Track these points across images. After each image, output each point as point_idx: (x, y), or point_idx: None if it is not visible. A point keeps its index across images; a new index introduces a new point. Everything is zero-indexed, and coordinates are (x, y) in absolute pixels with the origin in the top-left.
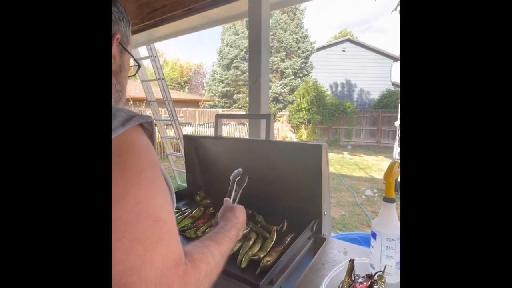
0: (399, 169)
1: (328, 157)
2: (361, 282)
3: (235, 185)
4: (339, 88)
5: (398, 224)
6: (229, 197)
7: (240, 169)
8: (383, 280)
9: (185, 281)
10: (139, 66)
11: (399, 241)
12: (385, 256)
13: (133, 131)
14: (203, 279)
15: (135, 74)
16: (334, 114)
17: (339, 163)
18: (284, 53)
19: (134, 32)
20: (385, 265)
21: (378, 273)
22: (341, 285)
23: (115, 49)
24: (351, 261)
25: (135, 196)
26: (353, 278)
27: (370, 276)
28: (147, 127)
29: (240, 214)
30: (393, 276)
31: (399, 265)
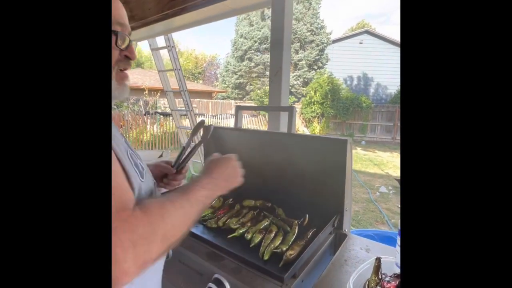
0: None
1: (352, 153)
2: (388, 281)
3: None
4: (355, 82)
5: None
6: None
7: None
8: None
9: (130, 223)
10: (116, 34)
11: None
12: None
13: None
14: (158, 222)
15: (126, 47)
16: (348, 108)
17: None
18: (298, 44)
19: (154, 21)
20: None
21: None
22: (367, 283)
23: None
24: (378, 259)
25: None
26: (380, 277)
27: (397, 276)
28: None
29: (223, 165)
30: None
31: None
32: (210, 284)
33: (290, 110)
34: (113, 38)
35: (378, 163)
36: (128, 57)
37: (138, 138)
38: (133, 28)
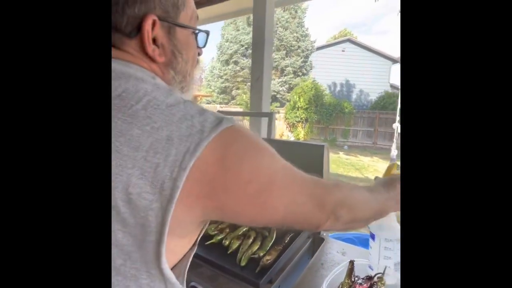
0: (398, 171)
1: (329, 158)
2: (360, 284)
3: None
4: (338, 88)
5: (396, 225)
6: None
7: None
8: (382, 282)
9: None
10: (207, 33)
11: (398, 242)
12: (383, 257)
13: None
14: (355, 193)
15: (203, 46)
16: (331, 113)
17: (335, 162)
18: (284, 52)
19: None
20: (385, 267)
21: (378, 275)
22: (340, 286)
23: (158, 33)
24: (351, 262)
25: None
26: (353, 279)
27: (369, 278)
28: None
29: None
30: (391, 277)
31: (397, 266)
32: None
33: (270, 116)
34: (196, 37)
35: (359, 167)
36: (199, 53)
37: None
38: None
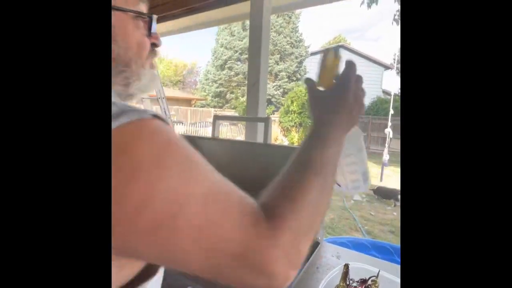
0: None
1: None
2: (355, 287)
3: None
4: None
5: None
6: None
7: None
8: (376, 285)
9: (270, 231)
10: (150, 18)
11: (360, 151)
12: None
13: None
14: (295, 217)
15: (150, 32)
16: None
17: None
18: (278, 56)
19: None
20: (379, 270)
21: (372, 278)
22: None
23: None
24: (346, 266)
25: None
26: (347, 283)
27: (364, 281)
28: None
29: (337, 94)
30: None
31: (366, 175)
32: None
33: (266, 121)
34: (144, 23)
35: None
36: (155, 44)
37: None
38: None
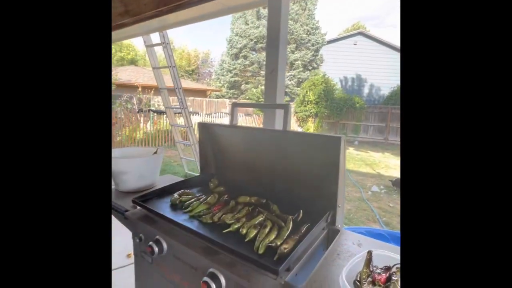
0: None
1: (345, 150)
2: (379, 273)
3: None
4: (349, 83)
5: None
6: None
7: None
8: None
9: None
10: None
11: None
12: None
13: None
14: None
15: None
16: (342, 108)
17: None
18: (294, 45)
19: (150, 17)
20: None
21: (397, 265)
22: (359, 275)
23: None
24: (369, 253)
25: None
26: (371, 269)
27: (388, 268)
28: None
29: None
30: None
31: None
32: (206, 278)
33: (286, 107)
34: None
35: (370, 163)
36: None
37: (131, 136)
38: (128, 24)
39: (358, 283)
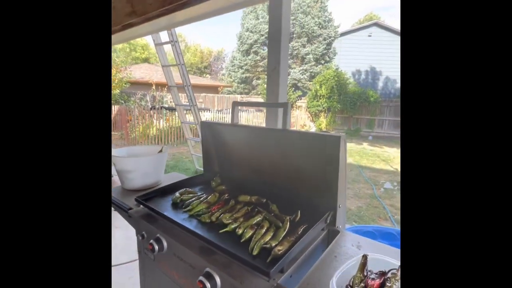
0: None
1: (347, 148)
2: (373, 279)
3: None
4: (363, 76)
5: None
6: None
7: None
8: (397, 278)
9: None
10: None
11: None
12: None
13: None
14: None
15: None
16: (356, 103)
17: (358, 154)
18: (305, 39)
19: (157, 16)
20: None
21: (393, 271)
22: (352, 280)
23: None
24: (364, 256)
25: None
26: (365, 274)
27: (383, 273)
28: None
29: None
30: None
31: None
32: (201, 278)
33: (285, 106)
34: None
35: (384, 158)
36: None
37: (145, 133)
38: (136, 24)
39: None
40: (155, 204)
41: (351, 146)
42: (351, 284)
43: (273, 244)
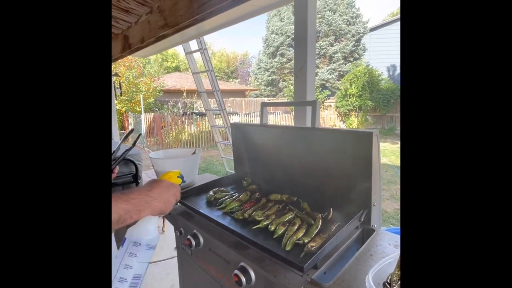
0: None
1: (380, 145)
2: None
3: None
4: (397, 71)
5: (153, 229)
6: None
7: None
8: None
9: None
10: None
11: (149, 249)
12: (124, 266)
13: None
14: None
15: None
16: (389, 100)
17: (394, 153)
18: (333, 37)
19: (186, 27)
20: None
21: None
22: (390, 278)
23: None
24: None
25: None
26: None
27: None
28: None
29: (166, 188)
30: None
31: (136, 280)
32: (236, 272)
33: (313, 104)
34: None
35: None
36: None
37: (177, 138)
38: (168, 35)
39: (388, 285)
40: (191, 202)
41: (385, 145)
42: (388, 281)
43: (306, 241)
